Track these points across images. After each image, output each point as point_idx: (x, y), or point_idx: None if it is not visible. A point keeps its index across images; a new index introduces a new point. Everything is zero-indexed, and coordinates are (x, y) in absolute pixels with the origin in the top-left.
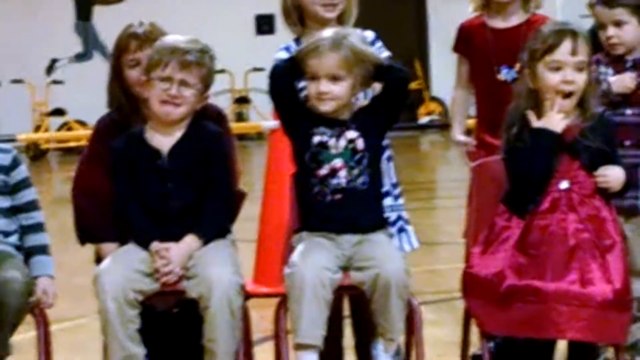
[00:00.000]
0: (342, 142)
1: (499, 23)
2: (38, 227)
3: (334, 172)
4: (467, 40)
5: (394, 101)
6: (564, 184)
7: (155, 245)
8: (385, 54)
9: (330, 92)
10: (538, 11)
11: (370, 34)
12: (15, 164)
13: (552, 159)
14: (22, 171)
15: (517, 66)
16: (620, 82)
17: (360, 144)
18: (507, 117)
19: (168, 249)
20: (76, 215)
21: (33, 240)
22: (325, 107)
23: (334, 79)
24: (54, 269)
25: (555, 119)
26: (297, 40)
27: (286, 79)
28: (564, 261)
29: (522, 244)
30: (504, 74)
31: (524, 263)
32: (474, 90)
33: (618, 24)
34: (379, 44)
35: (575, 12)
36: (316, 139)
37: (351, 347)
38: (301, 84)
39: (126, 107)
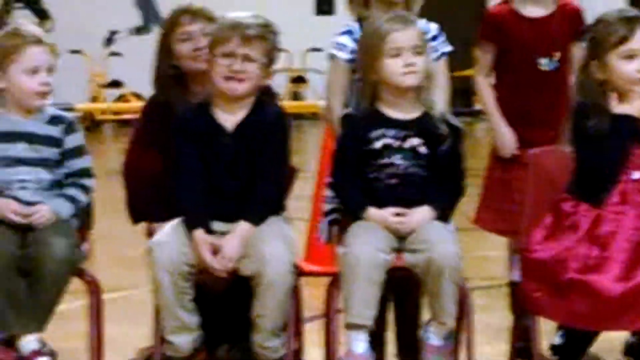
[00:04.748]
0: (406, 146)
1: (534, 11)
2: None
3: (392, 164)
4: (499, 29)
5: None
6: (636, 174)
7: (209, 239)
8: (447, 48)
9: (416, 63)
10: None
11: (434, 27)
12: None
13: (632, 144)
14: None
15: (557, 55)
16: None
17: (423, 149)
18: (577, 109)
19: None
20: (128, 195)
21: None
22: (411, 80)
23: (417, 52)
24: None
25: (638, 106)
26: (360, 22)
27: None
28: (635, 256)
29: (591, 235)
30: (545, 64)
31: (591, 256)
32: (496, 79)
33: None
34: (442, 38)
35: None
36: (378, 144)
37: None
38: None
39: (172, 86)
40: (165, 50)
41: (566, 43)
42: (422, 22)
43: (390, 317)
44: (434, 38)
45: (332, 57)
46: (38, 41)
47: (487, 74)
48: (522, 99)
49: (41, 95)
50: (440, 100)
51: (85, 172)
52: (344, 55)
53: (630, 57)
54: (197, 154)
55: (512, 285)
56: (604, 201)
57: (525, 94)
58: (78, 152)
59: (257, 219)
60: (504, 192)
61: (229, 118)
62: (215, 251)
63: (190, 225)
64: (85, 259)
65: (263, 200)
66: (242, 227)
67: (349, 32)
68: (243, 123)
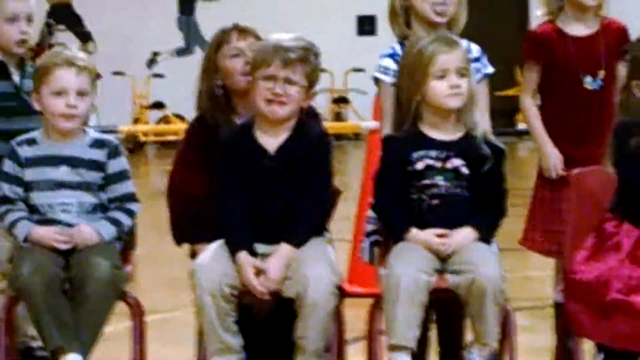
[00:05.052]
0: (448, 166)
1: (578, 30)
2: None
3: (434, 184)
4: (544, 48)
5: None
6: None
7: (253, 261)
8: (489, 70)
9: (461, 85)
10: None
11: (476, 48)
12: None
13: None
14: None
15: (602, 74)
16: None
17: (465, 170)
18: (619, 127)
19: (265, 269)
20: (172, 217)
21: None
22: (456, 102)
23: (461, 74)
24: (108, 235)
25: None
26: (402, 43)
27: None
28: None
29: (634, 256)
30: (589, 83)
31: (634, 276)
32: (541, 99)
33: None
34: (484, 59)
35: None
36: (420, 165)
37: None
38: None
39: (217, 106)
40: (211, 69)
41: (611, 62)
42: (465, 43)
43: (433, 338)
44: (477, 59)
45: (377, 80)
46: (68, 63)
47: (533, 94)
48: (568, 118)
49: (66, 118)
50: (482, 121)
51: (130, 197)
52: (388, 78)
53: None
54: (240, 176)
55: (556, 306)
56: None
57: (570, 113)
58: (122, 176)
59: (299, 241)
60: (551, 212)
61: (271, 140)
62: (258, 273)
63: (233, 247)
64: (129, 281)
65: (305, 221)
66: (285, 248)
67: (392, 55)
68: (285, 145)
